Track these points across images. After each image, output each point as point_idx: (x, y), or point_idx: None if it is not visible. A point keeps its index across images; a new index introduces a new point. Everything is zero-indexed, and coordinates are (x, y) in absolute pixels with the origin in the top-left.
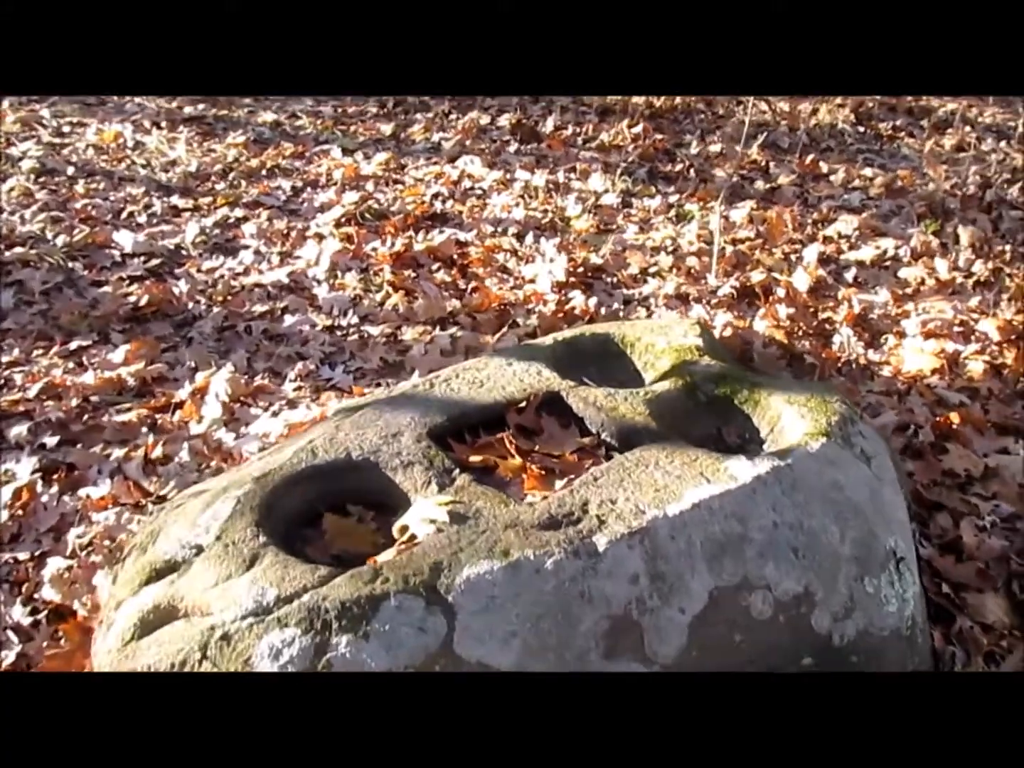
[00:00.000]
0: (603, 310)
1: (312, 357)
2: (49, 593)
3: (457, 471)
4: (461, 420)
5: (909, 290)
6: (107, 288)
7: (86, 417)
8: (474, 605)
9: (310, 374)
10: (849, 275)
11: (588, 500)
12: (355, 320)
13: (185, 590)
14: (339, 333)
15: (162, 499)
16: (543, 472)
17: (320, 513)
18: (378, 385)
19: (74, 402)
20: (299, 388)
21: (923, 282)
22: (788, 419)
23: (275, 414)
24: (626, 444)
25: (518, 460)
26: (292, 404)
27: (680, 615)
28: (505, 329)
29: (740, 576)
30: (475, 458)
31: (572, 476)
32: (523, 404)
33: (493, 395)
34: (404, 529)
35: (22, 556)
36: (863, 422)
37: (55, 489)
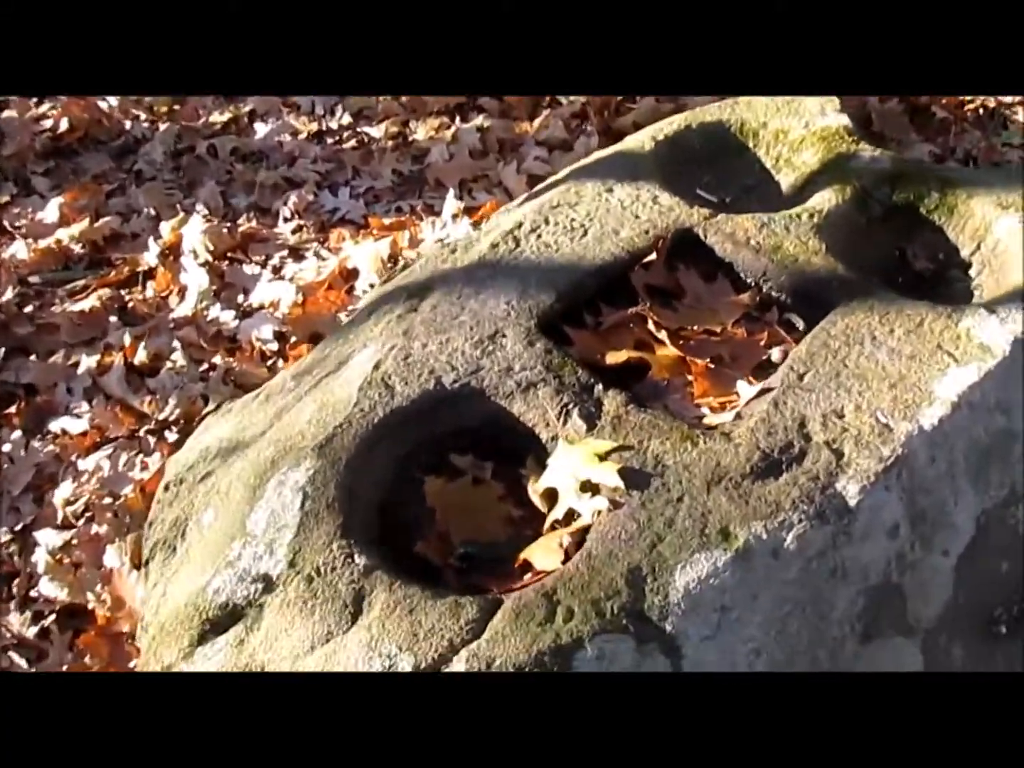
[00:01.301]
0: None
1: (306, 181)
2: (50, 588)
3: (600, 387)
4: (575, 295)
5: None
6: (10, 112)
7: (31, 310)
8: (703, 628)
9: (309, 206)
10: None
11: (805, 416)
12: (347, 119)
13: (263, 657)
14: (331, 141)
15: (164, 424)
16: (710, 364)
17: (417, 477)
18: (398, 211)
19: (10, 292)
20: (299, 228)
21: None
22: (1004, 230)
23: (277, 271)
24: (804, 299)
25: (672, 350)
26: (296, 254)
27: (944, 559)
28: (547, 112)
29: (1008, 487)
30: (614, 357)
31: (754, 369)
32: (650, 257)
33: (606, 247)
34: (550, 495)
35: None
36: None
37: (18, 432)
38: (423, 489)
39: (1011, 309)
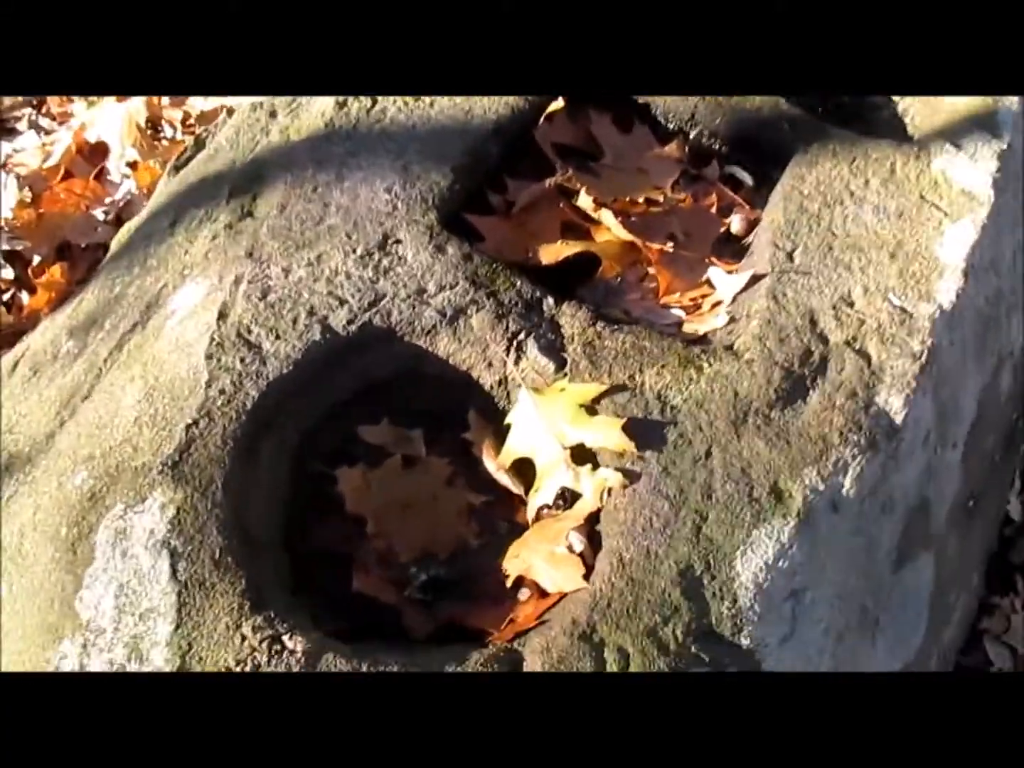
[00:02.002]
0: None
1: None
2: None
3: (550, 302)
4: (475, 168)
5: None
6: None
7: None
8: (780, 627)
9: None
10: None
11: (813, 310)
12: None
13: None
14: None
15: None
16: (667, 247)
17: (325, 473)
18: None
19: None
20: None
21: None
22: None
23: None
24: (747, 147)
25: (617, 233)
26: (1, 128)
27: (954, 453)
28: None
29: (996, 355)
30: (550, 254)
31: (714, 246)
32: (554, 105)
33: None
34: (522, 468)
35: None
36: None
37: None
38: (336, 490)
39: (976, 144)
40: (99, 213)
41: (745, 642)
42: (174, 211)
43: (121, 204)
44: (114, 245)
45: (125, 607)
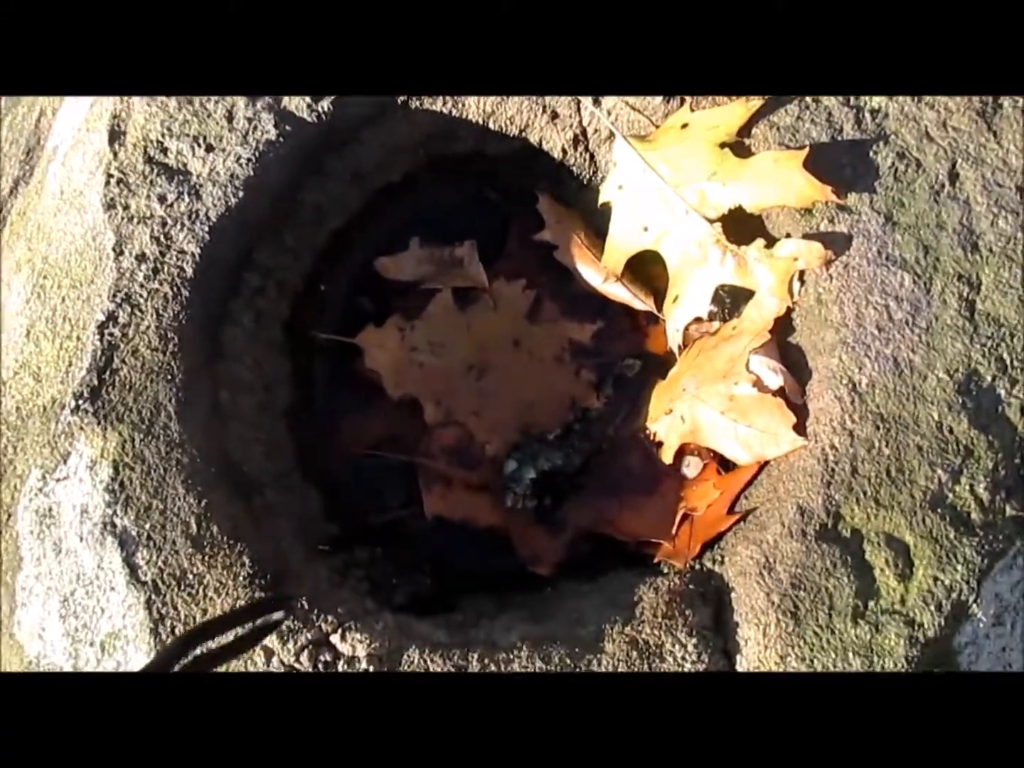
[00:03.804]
0: None
1: None
2: None
3: None
4: None
5: None
6: None
7: None
8: None
9: None
10: None
11: None
12: None
13: None
14: None
15: None
16: None
17: (340, 347)
18: None
19: None
20: None
21: None
22: None
23: None
24: None
25: None
26: None
27: None
28: None
29: None
30: None
31: None
32: None
33: None
34: (633, 263)
35: None
36: None
37: None
38: (364, 368)
39: None
40: None
41: None
42: None
43: None
44: None
45: (78, 634)
